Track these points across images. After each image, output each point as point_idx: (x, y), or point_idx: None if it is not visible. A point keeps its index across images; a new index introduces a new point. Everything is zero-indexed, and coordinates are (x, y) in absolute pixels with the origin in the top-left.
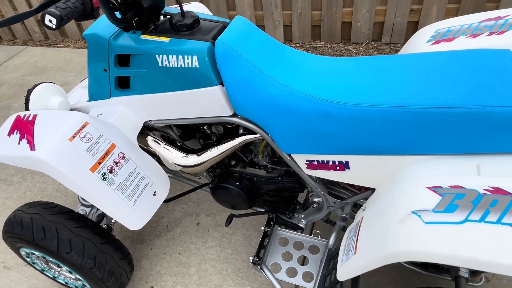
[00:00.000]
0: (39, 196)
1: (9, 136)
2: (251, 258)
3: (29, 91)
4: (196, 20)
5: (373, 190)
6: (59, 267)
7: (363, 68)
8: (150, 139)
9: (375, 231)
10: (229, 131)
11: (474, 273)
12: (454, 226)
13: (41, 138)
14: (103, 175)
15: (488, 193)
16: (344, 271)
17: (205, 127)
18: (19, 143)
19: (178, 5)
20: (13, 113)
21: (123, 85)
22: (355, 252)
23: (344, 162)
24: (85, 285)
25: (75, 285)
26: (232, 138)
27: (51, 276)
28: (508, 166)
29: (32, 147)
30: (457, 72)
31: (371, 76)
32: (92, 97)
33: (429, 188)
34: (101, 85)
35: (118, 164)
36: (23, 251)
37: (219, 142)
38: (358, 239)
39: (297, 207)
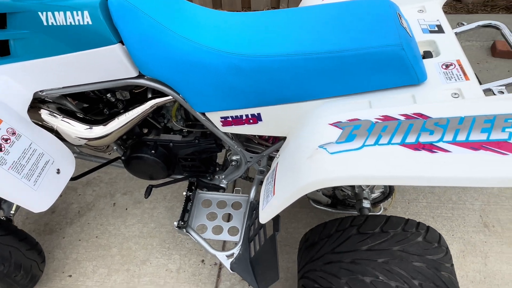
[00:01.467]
0: None
1: None
2: (175, 223)
3: None
4: None
5: (284, 139)
6: None
7: (265, 21)
8: (44, 113)
9: (289, 170)
10: (136, 96)
11: (374, 205)
12: (355, 152)
13: None
14: None
15: (379, 121)
16: (265, 214)
17: (109, 95)
18: None
19: None
20: None
21: (2, 52)
22: (273, 194)
23: (256, 115)
24: None
25: None
26: (140, 103)
27: None
28: (393, 98)
29: None
30: (347, 20)
31: (273, 29)
32: None
33: (331, 124)
34: None
35: (9, 141)
36: None
37: (126, 109)
38: (275, 182)
39: (217, 168)
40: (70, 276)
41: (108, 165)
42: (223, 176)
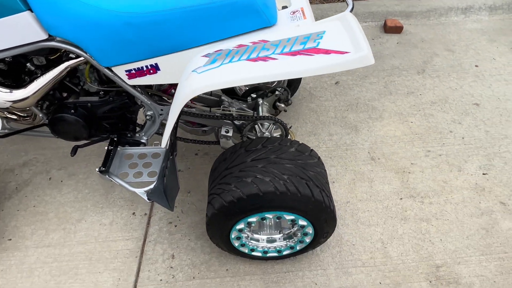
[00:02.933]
0: None
1: None
2: (97, 169)
3: None
4: None
5: None
6: None
7: None
8: None
9: (175, 96)
10: (52, 62)
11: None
12: (215, 68)
13: None
14: None
15: (235, 48)
16: (164, 140)
17: (28, 64)
18: None
19: None
20: None
21: None
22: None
23: (154, 65)
24: None
25: None
26: (55, 66)
27: None
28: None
29: None
30: None
31: None
32: None
33: (202, 56)
34: None
35: None
36: None
37: (43, 74)
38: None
39: (137, 128)
40: (10, 239)
41: (44, 149)
42: (142, 133)
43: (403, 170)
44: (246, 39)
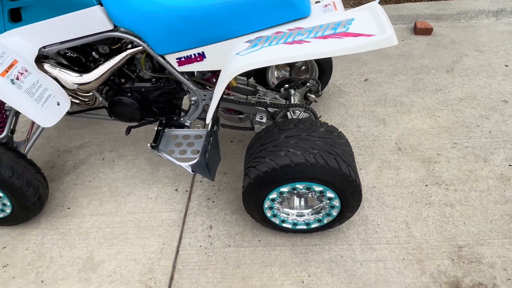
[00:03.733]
0: None
1: None
2: (148, 145)
3: None
4: None
5: None
6: None
7: None
8: (46, 66)
9: (221, 73)
10: (114, 52)
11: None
12: (256, 51)
13: None
14: (12, 81)
15: (273, 34)
16: (208, 115)
17: (94, 53)
18: None
19: None
20: None
21: (16, 18)
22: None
23: (201, 53)
24: (3, 209)
25: None
26: (117, 55)
27: None
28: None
29: None
30: None
31: None
32: None
33: (245, 42)
34: None
35: (23, 75)
36: None
37: (106, 60)
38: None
39: (182, 112)
40: (69, 208)
41: (97, 134)
42: (186, 117)
43: (429, 159)
44: (283, 28)
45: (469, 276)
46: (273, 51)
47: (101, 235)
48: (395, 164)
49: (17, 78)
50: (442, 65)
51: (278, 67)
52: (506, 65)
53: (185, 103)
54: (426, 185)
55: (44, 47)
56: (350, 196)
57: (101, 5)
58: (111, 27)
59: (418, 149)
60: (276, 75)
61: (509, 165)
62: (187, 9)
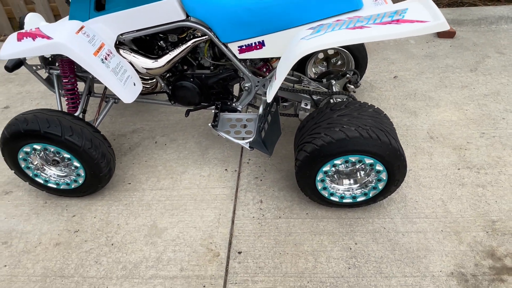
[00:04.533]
0: None
1: (20, 41)
2: (209, 124)
3: (21, 18)
4: None
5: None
6: (53, 165)
7: None
8: (122, 52)
9: (285, 57)
10: (181, 41)
11: (344, 89)
12: (320, 36)
13: (54, 33)
14: (102, 60)
15: (334, 22)
16: (270, 94)
17: (162, 42)
18: (34, 40)
19: None
20: None
21: (100, 7)
22: (275, 79)
23: (261, 41)
24: (77, 179)
25: (66, 183)
26: (184, 43)
27: (41, 181)
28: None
29: (50, 38)
30: None
31: None
32: (73, 18)
33: (307, 29)
34: (82, 8)
35: (109, 56)
36: (22, 153)
37: (175, 48)
38: (276, 71)
39: (234, 98)
40: (130, 183)
41: (148, 121)
42: (238, 103)
43: (460, 147)
44: (342, 17)
45: (504, 246)
46: (337, 34)
47: (162, 206)
48: (428, 151)
49: (105, 58)
50: (466, 65)
51: (315, 62)
52: None
53: (234, 91)
54: (459, 169)
55: (121, 34)
56: (397, 169)
57: None
58: (183, 17)
59: (448, 138)
60: (313, 71)
61: None
62: (252, 1)
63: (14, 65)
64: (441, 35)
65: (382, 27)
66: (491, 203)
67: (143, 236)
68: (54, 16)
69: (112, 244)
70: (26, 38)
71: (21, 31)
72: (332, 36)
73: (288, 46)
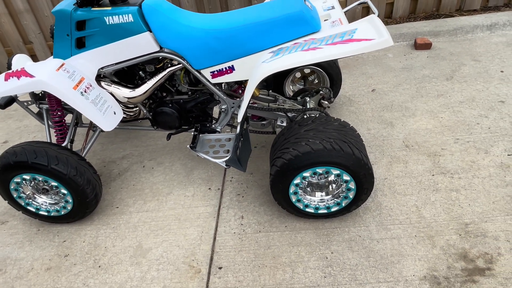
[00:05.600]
0: None
1: (7, 80)
2: (188, 146)
3: (9, 60)
4: None
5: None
6: (43, 193)
7: (229, 14)
8: (103, 83)
9: (251, 78)
10: (158, 71)
11: (319, 105)
12: (279, 58)
13: (37, 72)
14: (81, 93)
15: (292, 45)
16: (240, 113)
17: (141, 72)
18: (19, 79)
19: None
20: None
21: (80, 45)
22: (243, 99)
23: (231, 66)
24: (65, 206)
25: (56, 210)
26: (160, 72)
27: (33, 210)
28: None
29: (32, 76)
30: (274, 6)
31: (233, 16)
32: (57, 56)
33: (268, 53)
34: (64, 46)
35: (89, 89)
36: (13, 183)
37: (152, 77)
38: (244, 93)
39: (213, 120)
40: (117, 207)
41: (137, 147)
42: (217, 124)
43: (435, 153)
44: (300, 40)
45: (476, 248)
46: (293, 57)
47: (147, 227)
48: (404, 159)
49: (85, 91)
50: (442, 74)
51: (293, 80)
52: (502, 71)
53: (215, 113)
54: (433, 175)
55: (102, 68)
56: (363, 178)
57: (150, 31)
58: (157, 48)
59: (423, 146)
60: (291, 89)
61: (508, 155)
62: (219, 31)
63: (6, 102)
64: (418, 47)
65: (333, 47)
66: (464, 207)
67: (128, 257)
68: (51, 53)
69: (99, 266)
70: (12, 77)
71: (8, 71)
72: (289, 58)
73: (253, 70)
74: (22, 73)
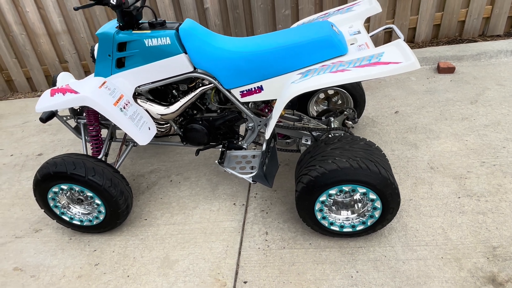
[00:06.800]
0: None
1: (53, 96)
2: (216, 161)
3: (54, 77)
4: (164, 21)
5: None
6: (78, 203)
7: (260, 37)
8: (139, 100)
9: (279, 97)
10: (190, 90)
11: (343, 125)
12: (307, 79)
13: (81, 88)
14: (121, 109)
15: (320, 67)
16: (268, 131)
17: (174, 91)
18: (64, 95)
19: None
20: None
21: (120, 65)
22: (272, 117)
23: (260, 86)
24: (98, 216)
25: (89, 220)
26: (193, 91)
27: (67, 219)
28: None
29: (77, 93)
30: (303, 30)
31: (264, 39)
32: (98, 74)
33: (297, 74)
34: (105, 66)
35: (127, 105)
36: (51, 193)
37: (184, 95)
38: (272, 111)
39: (240, 137)
40: (146, 219)
41: (164, 162)
42: (244, 141)
43: (460, 176)
44: (328, 62)
45: (505, 271)
46: (321, 78)
47: (174, 240)
48: (429, 181)
49: (124, 107)
50: (466, 98)
51: (317, 101)
52: None
53: (241, 130)
54: (459, 197)
55: (139, 86)
56: (389, 197)
57: (185, 53)
58: (191, 69)
59: (449, 168)
60: (315, 109)
61: None
62: (249, 53)
63: (47, 116)
64: (441, 71)
65: (361, 69)
66: (491, 230)
67: (156, 268)
68: (85, 72)
69: (128, 276)
70: (58, 93)
71: (54, 87)
72: (316, 79)
73: (282, 90)
74: (67, 89)
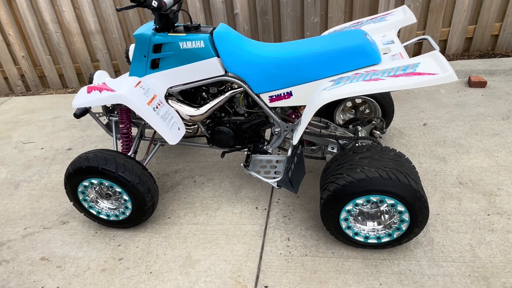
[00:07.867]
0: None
1: (89, 93)
2: (242, 164)
3: (91, 75)
4: (199, 25)
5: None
6: (106, 198)
7: (290, 43)
8: (170, 101)
9: (309, 104)
10: (219, 93)
11: (371, 134)
12: (340, 86)
13: (117, 87)
14: (153, 108)
15: (353, 75)
16: (296, 137)
17: (204, 93)
18: (101, 93)
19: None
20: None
21: (154, 66)
22: (300, 123)
23: (289, 92)
24: (124, 212)
25: (115, 215)
26: (222, 94)
27: (94, 213)
28: (362, 69)
29: (113, 91)
30: (337, 38)
31: (295, 45)
32: (132, 74)
33: (329, 81)
34: (140, 66)
35: (160, 105)
36: (81, 187)
37: (214, 98)
38: (302, 117)
39: (265, 142)
40: (169, 218)
41: (189, 162)
42: (269, 146)
43: (490, 193)
44: (361, 71)
45: None
46: (354, 86)
47: (197, 239)
48: (457, 196)
49: (156, 107)
50: (498, 113)
51: (344, 109)
52: None
53: (267, 135)
54: (488, 215)
55: (171, 87)
56: (418, 210)
57: (218, 56)
58: (223, 72)
59: (478, 184)
60: (341, 117)
61: None
62: (281, 59)
63: (81, 112)
64: (472, 84)
65: (396, 79)
66: None
67: (178, 266)
68: (115, 71)
69: (151, 272)
70: (94, 90)
71: (90, 85)
72: (349, 87)
73: (312, 96)
74: (103, 87)
